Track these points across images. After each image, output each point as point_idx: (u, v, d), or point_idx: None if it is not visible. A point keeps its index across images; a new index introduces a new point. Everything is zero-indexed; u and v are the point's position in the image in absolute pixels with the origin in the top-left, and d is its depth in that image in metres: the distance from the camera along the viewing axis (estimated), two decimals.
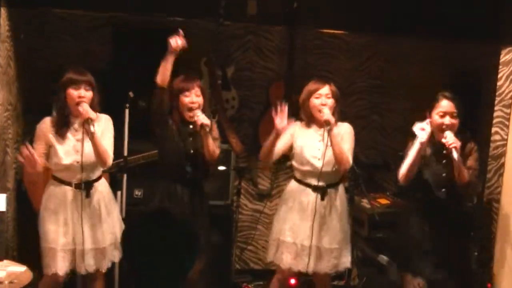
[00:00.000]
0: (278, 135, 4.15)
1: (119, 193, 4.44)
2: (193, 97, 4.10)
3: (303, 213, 4.23)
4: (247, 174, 5.53)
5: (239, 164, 5.34)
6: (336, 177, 4.28)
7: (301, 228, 4.23)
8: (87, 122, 3.91)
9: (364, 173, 4.95)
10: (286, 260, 4.26)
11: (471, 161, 4.00)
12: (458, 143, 3.84)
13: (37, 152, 3.93)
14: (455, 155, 3.81)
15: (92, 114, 3.94)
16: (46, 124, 4.04)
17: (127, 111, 4.42)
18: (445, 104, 3.96)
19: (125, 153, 4.46)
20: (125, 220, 4.40)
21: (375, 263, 5.04)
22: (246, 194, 5.68)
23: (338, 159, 4.14)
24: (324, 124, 4.09)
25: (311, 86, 4.25)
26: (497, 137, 4.68)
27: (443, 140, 3.88)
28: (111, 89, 4.91)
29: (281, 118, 4.10)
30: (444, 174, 3.99)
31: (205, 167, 4.24)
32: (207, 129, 4.02)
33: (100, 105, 4.10)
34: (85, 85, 3.99)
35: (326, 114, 4.10)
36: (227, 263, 5.07)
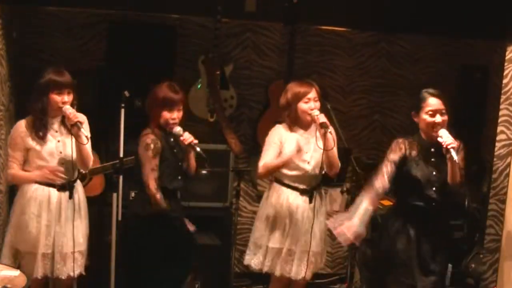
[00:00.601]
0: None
1: (114, 195, 4.35)
2: (175, 113, 4.02)
3: (292, 218, 4.18)
4: (246, 175, 5.45)
5: (238, 165, 5.27)
6: (319, 179, 4.24)
7: (289, 233, 4.17)
8: (76, 126, 3.83)
9: (365, 173, 4.89)
10: (275, 266, 4.21)
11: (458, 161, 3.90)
12: (455, 142, 3.76)
13: (16, 161, 3.93)
14: (454, 155, 3.73)
15: (81, 117, 3.88)
16: (22, 128, 3.95)
17: (122, 110, 4.32)
18: (433, 102, 3.88)
19: (121, 154, 4.37)
20: (121, 222, 4.32)
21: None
22: (245, 196, 5.62)
23: (331, 162, 4.12)
24: (319, 127, 4.04)
25: (297, 88, 4.16)
26: (502, 136, 4.62)
27: (439, 140, 3.80)
28: (106, 88, 4.86)
29: None
30: (434, 173, 3.90)
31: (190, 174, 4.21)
32: (197, 148, 3.95)
33: (77, 105, 4.00)
34: (68, 89, 3.91)
35: (322, 117, 4.04)
36: (226, 267, 4.98)
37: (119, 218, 4.37)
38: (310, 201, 4.16)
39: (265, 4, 5.16)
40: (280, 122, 4.38)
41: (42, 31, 5.20)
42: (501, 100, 4.64)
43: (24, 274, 3.70)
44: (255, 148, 5.46)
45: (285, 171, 4.19)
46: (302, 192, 4.17)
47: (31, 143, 3.92)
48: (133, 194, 4.86)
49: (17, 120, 4.87)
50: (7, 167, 4.03)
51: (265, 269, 4.25)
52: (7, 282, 3.58)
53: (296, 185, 4.18)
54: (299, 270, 4.17)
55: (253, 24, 5.46)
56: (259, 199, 5.60)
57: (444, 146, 3.75)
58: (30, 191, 3.98)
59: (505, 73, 4.60)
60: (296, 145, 4.12)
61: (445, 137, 3.77)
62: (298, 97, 4.12)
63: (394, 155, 3.95)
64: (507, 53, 4.59)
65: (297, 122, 4.19)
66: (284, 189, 4.21)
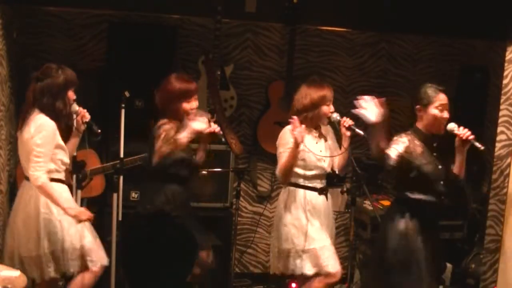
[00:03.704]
0: (298, 146, 4.01)
1: (115, 195, 4.35)
2: (193, 103, 4.01)
3: (319, 218, 4.22)
4: (246, 175, 5.45)
5: (238, 165, 5.26)
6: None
7: (320, 232, 4.21)
8: (90, 124, 3.89)
9: (366, 174, 4.88)
10: (310, 267, 4.19)
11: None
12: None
13: (47, 164, 3.78)
14: (478, 145, 3.81)
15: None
16: (54, 126, 3.83)
17: (122, 111, 4.32)
18: (443, 97, 3.94)
19: (121, 155, 4.37)
20: (121, 223, 4.32)
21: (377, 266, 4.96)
22: (245, 196, 5.61)
23: (346, 164, 4.29)
24: (344, 129, 4.15)
25: (321, 91, 4.16)
26: (502, 136, 4.60)
27: (456, 132, 3.85)
28: (107, 88, 4.85)
29: (297, 129, 3.97)
30: (440, 167, 3.92)
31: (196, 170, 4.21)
32: (222, 139, 4.06)
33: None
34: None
35: (348, 119, 4.15)
36: (226, 267, 4.97)
37: (119, 219, 4.36)
38: (327, 198, 4.27)
39: (265, 4, 5.17)
40: (280, 123, 4.39)
41: (42, 31, 5.19)
42: (501, 100, 4.62)
43: (24, 275, 3.70)
44: (255, 148, 5.47)
45: (304, 171, 4.19)
46: (320, 191, 4.22)
47: (61, 142, 3.88)
48: (133, 194, 4.87)
49: (17, 120, 4.88)
50: (34, 168, 3.74)
51: (298, 270, 4.21)
52: (7, 282, 3.58)
53: (314, 185, 4.21)
54: (335, 264, 4.23)
55: (253, 25, 5.45)
56: (260, 199, 5.63)
57: (464, 138, 3.82)
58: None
59: (505, 73, 4.58)
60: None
61: (460, 129, 3.84)
62: (324, 100, 4.15)
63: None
64: (507, 53, 4.57)
65: (315, 123, 4.22)
66: (302, 191, 4.20)
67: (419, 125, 3.97)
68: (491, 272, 4.64)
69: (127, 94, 4.34)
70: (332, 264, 4.19)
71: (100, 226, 4.30)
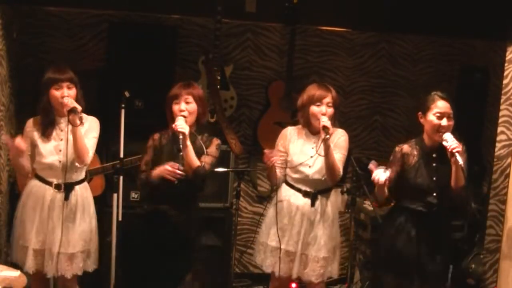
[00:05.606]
0: (271, 167, 4.12)
1: (115, 195, 4.35)
2: (182, 105, 3.96)
3: (291, 218, 4.17)
4: (247, 175, 5.45)
5: (238, 165, 5.27)
6: (327, 184, 4.19)
7: (287, 233, 4.16)
8: (73, 112, 3.85)
9: (366, 174, 4.88)
10: (270, 264, 4.20)
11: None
12: (460, 147, 3.75)
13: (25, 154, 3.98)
14: (459, 159, 3.71)
15: (77, 104, 3.89)
16: (30, 125, 4.05)
17: (122, 111, 4.32)
18: (442, 105, 3.87)
19: (121, 155, 4.36)
20: (121, 223, 4.32)
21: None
22: (245, 196, 5.61)
23: (328, 170, 4.06)
24: (321, 131, 3.96)
25: (313, 91, 4.10)
26: (503, 136, 4.61)
27: (444, 143, 3.78)
28: (107, 88, 4.85)
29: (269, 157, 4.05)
30: (434, 179, 3.89)
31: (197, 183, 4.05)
32: (180, 137, 3.84)
33: (84, 102, 4.02)
34: (68, 83, 3.94)
35: (325, 120, 3.96)
36: (226, 267, 4.97)
37: (119, 219, 4.36)
38: (312, 205, 4.12)
39: (265, 4, 5.17)
40: (280, 123, 4.38)
41: (42, 31, 5.20)
42: (501, 100, 4.63)
43: (23, 275, 3.71)
44: (255, 148, 5.47)
45: (289, 171, 4.20)
46: (305, 194, 4.15)
47: (36, 139, 3.99)
48: (133, 195, 4.87)
49: (17, 120, 4.92)
50: None
51: (264, 268, 4.25)
52: (7, 282, 3.58)
53: (299, 186, 4.17)
54: (299, 271, 4.15)
55: (253, 25, 5.45)
56: (260, 199, 5.63)
57: (449, 150, 3.73)
58: (30, 186, 4.06)
59: (505, 73, 4.59)
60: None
61: (450, 141, 3.75)
62: (312, 100, 4.06)
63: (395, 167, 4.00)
64: (507, 53, 4.58)
65: (308, 125, 4.15)
66: (288, 189, 4.20)
67: (424, 133, 3.96)
68: (491, 272, 4.65)
69: (127, 94, 4.33)
70: (268, 265, 4.21)
71: (100, 226, 4.29)
